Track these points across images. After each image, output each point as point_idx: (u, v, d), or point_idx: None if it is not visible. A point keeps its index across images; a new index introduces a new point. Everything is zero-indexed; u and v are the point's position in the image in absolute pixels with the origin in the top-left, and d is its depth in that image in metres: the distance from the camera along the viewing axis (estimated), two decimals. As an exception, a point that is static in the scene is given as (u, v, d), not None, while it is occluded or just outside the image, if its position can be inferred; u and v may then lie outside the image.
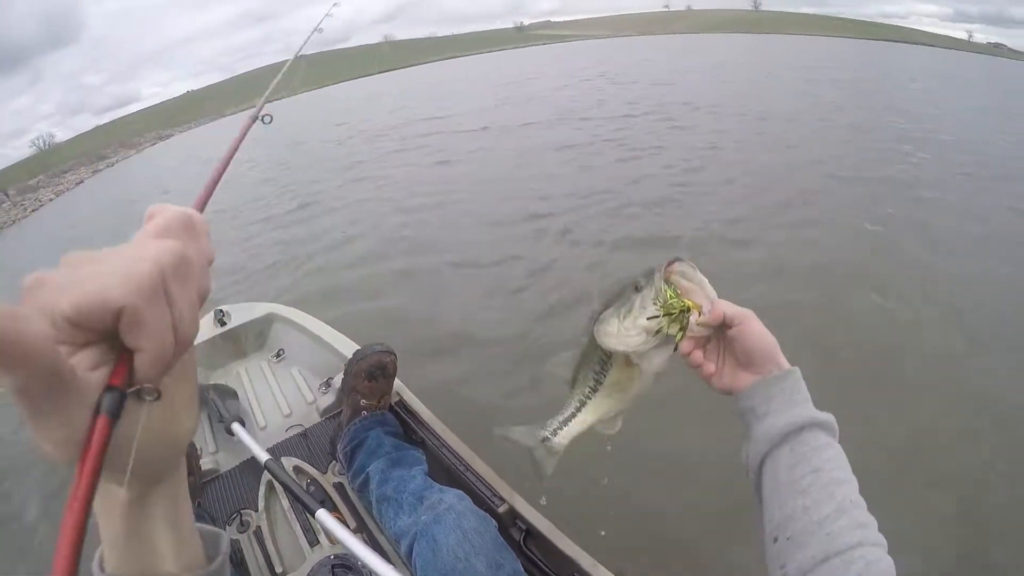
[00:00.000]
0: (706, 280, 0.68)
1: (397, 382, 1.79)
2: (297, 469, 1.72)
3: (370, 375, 1.65)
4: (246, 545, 1.52)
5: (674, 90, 13.42)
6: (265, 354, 2.45)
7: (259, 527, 1.55)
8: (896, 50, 40.90)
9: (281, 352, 2.39)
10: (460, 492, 1.29)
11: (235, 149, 1.18)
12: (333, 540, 1.38)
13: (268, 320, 2.51)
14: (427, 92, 22.44)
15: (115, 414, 0.30)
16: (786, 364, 0.69)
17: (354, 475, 1.53)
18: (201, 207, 0.79)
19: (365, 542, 0.98)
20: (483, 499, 1.39)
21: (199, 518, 1.23)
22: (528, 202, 5.67)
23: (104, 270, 0.31)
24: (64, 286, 0.29)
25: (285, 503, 1.58)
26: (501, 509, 1.36)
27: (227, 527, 1.57)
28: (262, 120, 1.66)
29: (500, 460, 1.56)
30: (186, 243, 0.36)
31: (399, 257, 4.84)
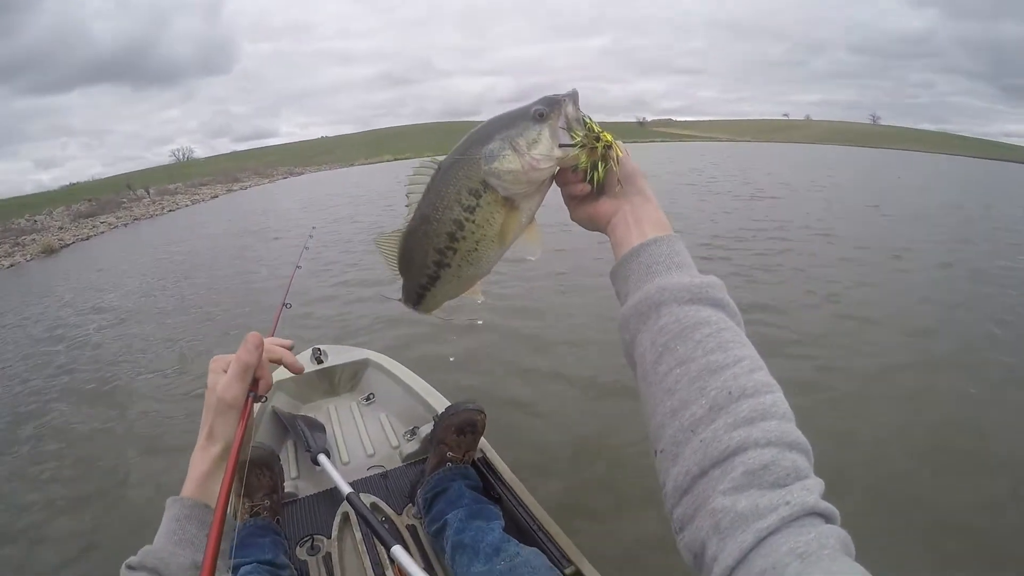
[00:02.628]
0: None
1: (483, 440, 1.87)
2: (374, 506, 1.77)
3: (460, 430, 1.74)
4: (313, 567, 1.60)
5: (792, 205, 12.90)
6: (356, 396, 2.57)
7: (329, 553, 1.63)
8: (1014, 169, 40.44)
9: (371, 396, 2.52)
10: (536, 550, 1.34)
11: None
12: None
13: (363, 364, 2.66)
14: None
15: (256, 399, 0.73)
16: (654, 231, 0.60)
17: (431, 520, 1.58)
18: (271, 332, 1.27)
19: None
20: (553, 559, 1.42)
21: (276, 533, 1.56)
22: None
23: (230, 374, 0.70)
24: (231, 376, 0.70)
25: (358, 535, 1.63)
26: (568, 571, 1.40)
27: (298, 548, 1.67)
28: (286, 306, 1.93)
29: (572, 524, 1.71)
30: (245, 359, 0.71)
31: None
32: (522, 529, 1.59)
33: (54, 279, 11.50)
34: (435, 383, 2.42)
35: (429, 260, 0.68)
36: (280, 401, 2.44)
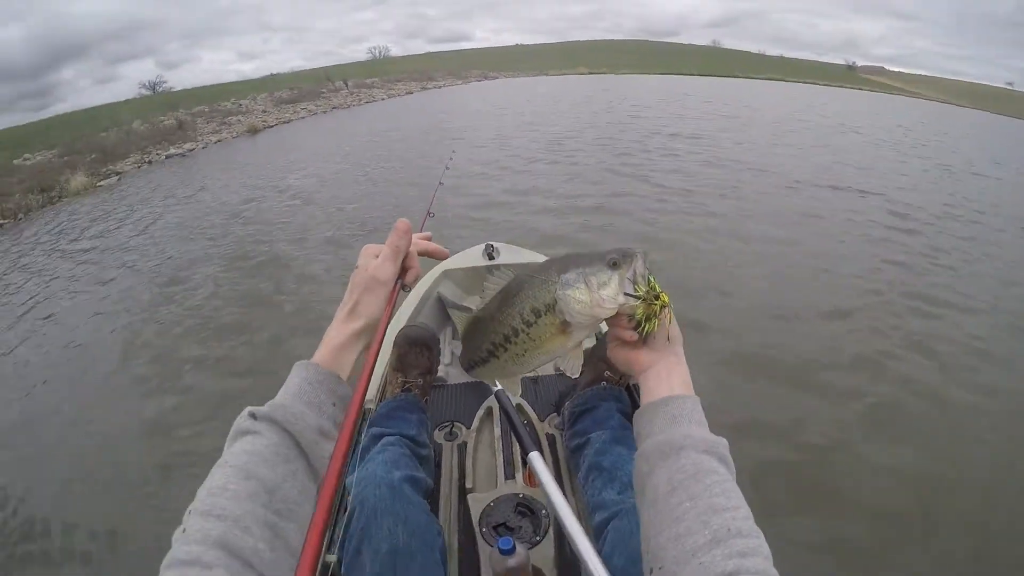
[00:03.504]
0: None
1: None
2: (519, 407, 1.71)
3: None
4: (447, 453, 1.62)
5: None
6: None
7: (465, 443, 1.63)
8: None
9: None
10: None
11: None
12: (530, 482, 1.41)
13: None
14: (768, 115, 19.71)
15: (403, 286, 0.76)
16: (682, 389, 0.68)
17: (573, 435, 1.53)
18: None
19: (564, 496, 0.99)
20: None
21: (422, 412, 1.61)
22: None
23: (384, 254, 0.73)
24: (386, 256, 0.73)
25: (496, 431, 1.61)
26: None
27: (437, 431, 1.70)
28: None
29: None
30: (397, 243, 0.74)
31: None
32: None
33: (255, 156, 12.95)
34: None
35: (484, 348, 0.79)
36: (447, 289, 2.50)
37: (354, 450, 0.79)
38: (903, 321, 4.09)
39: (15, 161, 15.71)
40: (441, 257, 0.85)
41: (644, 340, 0.71)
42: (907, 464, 2.72)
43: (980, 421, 3.05)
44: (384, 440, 1.38)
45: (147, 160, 13.77)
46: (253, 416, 0.59)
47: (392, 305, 0.72)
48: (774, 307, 4.18)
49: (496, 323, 0.75)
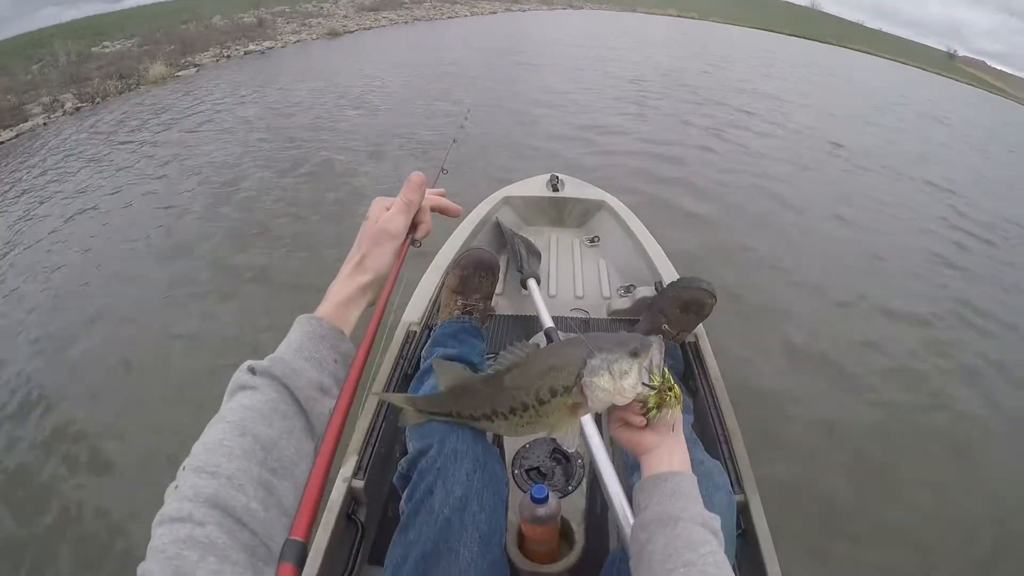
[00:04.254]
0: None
1: (700, 326, 1.73)
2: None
3: (685, 306, 1.62)
4: None
5: None
6: (581, 234, 2.48)
7: None
8: None
9: (596, 239, 2.41)
10: (720, 465, 1.15)
11: None
12: None
13: (598, 205, 2.50)
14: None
15: (413, 242, 0.73)
16: (682, 467, 0.72)
17: None
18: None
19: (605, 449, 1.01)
20: (729, 479, 1.26)
21: (481, 339, 1.52)
22: None
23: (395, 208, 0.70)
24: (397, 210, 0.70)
25: None
26: (736, 498, 1.21)
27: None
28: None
29: (759, 450, 1.49)
30: (410, 197, 0.71)
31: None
32: (707, 434, 1.43)
33: (333, 60, 12.70)
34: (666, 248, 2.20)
35: (484, 410, 0.81)
36: (505, 216, 2.40)
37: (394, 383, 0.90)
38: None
39: (93, 49, 15.79)
40: (454, 214, 0.81)
41: (649, 424, 0.73)
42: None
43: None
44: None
45: (225, 55, 13.59)
46: (252, 371, 0.56)
47: (401, 260, 0.71)
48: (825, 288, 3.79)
49: (506, 394, 0.77)
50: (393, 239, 0.68)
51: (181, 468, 0.48)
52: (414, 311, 1.79)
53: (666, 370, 0.71)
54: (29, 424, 2.54)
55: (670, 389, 0.71)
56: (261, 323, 3.06)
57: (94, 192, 5.17)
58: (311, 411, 0.57)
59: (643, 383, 0.69)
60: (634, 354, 0.68)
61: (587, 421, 1.12)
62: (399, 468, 1.08)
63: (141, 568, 0.42)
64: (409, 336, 1.67)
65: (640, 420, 0.72)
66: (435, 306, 1.79)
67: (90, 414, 2.56)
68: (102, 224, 4.46)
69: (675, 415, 0.73)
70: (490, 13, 28.39)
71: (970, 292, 4.04)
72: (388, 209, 0.70)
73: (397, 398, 1.00)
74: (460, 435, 1.05)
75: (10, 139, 7.93)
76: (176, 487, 0.46)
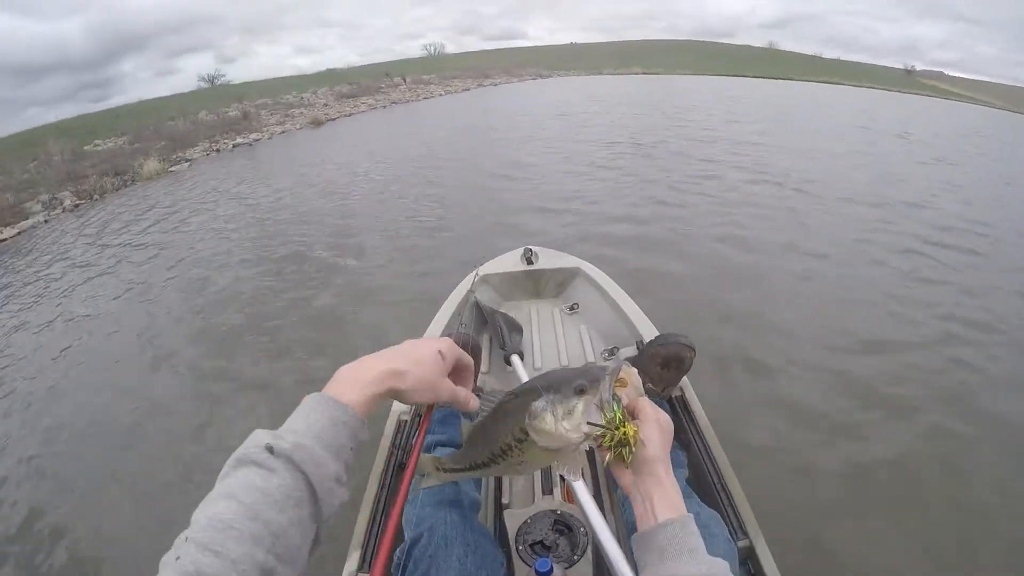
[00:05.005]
0: (640, 382, 0.76)
1: (684, 378, 1.76)
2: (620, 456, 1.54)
3: (665, 362, 1.65)
4: None
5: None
6: (559, 303, 2.51)
7: None
8: None
9: (576, 306, 2.44)
10: (716, 515, 1.17)
11: None
12: (568, 499, 1.40)
13: (573, 272, 2.54)
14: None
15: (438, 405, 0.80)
16: (666, 513, 0.67)
17: None
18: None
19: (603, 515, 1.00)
20: (730, 526, 1.29)
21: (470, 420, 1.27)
22: None
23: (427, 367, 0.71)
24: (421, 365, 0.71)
25: None
26: (741, 544, 1.26)
27: None
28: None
29: (760, 490, 1.52)
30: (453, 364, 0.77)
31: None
32: (703, 483, 1.45)
33: (319, 146, 13.37)
34: (644, 308, 2.23)
35: (484, 455, 0.81)
36: (484, 295, 2.41)
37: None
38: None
39: (86, 147, 16.51)
40: (463, 404, 0.80)
41: (627, 464, 0.71)
42: None
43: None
44: (438, 449, 1.36)
45: (215, 148, 14.16)
46: (270, 450, 0.54)
47: (431, 409, 0.85)
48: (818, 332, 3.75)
49: (492, 437, 0.78)
50: (434, 389, 0.72)
51: (183, 538, 0.47)
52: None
53: (616, 409, 0.68)
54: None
55: (618, 428, 0.68)
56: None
57: (105, 294, 5.30)
58: (324, 501, 0.56)
59: (589, 422, 0.66)
60: (580, 391, 0.67)
61: (581, 488, 1.06)
62: (394, 558, 1.07)
63: None
64: (400, 425, 1.69)
65: (607, 457, 0.70)
66: None
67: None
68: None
69: (650, 451, 0.69)
70: (463, 90, 29.73)
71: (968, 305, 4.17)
72: (441, 353, 0.74)
73: (425, 460, 1.00)
74: (449, 521, 1.09)
75: (12, 236, 8.16)
76: (177, 559, 0.45)
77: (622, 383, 0.73)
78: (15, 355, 4.23)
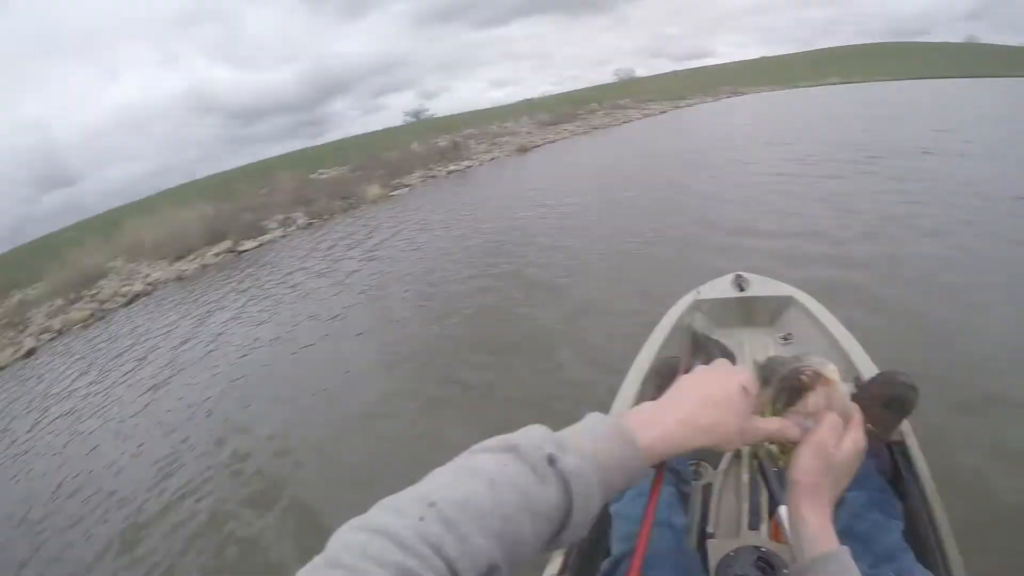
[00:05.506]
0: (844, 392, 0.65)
1: (904, 423, 1.63)
2: (770, 452, 1.65)
3: (887, 402, 1.54)
4: (693, 491, 1.58)
5: None
6: (773, 331, 2.44)
7: (710, 484, 1.56)
8: None
9: (789, 336, 2.36)
10: None
11: None
12: (776, 536, 1.30)
13: (786, 301, 2.48)
14: None
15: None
16: (828, 543, 0.57)
17: None
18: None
19: None
20: None
21: None
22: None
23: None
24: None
25: (744, 477, 1.54)
26: None
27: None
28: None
29: (981, 556, 1.38)
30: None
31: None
32: (919, 539, 1.28)
33: (527, 172, 13.16)
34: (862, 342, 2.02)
35: None
36: (697, 321, 2.45)
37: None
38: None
39: (311, 176, 18.83)
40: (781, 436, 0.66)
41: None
42: None
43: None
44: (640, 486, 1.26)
45: (431, 175, 14.99)
46: (551, 462, 0.47)
47: (660, 482, 0.67)
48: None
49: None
50: (743, 436, 0.59)
51: (424, 499, 0.41)
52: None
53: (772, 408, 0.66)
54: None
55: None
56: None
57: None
58: (567, 534, 0.49)
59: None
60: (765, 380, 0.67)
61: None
62: (601, 568, 1.07)
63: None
64: None
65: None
66: None
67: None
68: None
69: (789, 475, 0.61)
70: (660, 112, 29.23)
71: None
72: (746, 391, 0.60)
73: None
74: (661, 538, 1.09)
75: (253, 247, 9.61)
76: (421, 519, 0.40)
77: (821, 382, 0.63)
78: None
